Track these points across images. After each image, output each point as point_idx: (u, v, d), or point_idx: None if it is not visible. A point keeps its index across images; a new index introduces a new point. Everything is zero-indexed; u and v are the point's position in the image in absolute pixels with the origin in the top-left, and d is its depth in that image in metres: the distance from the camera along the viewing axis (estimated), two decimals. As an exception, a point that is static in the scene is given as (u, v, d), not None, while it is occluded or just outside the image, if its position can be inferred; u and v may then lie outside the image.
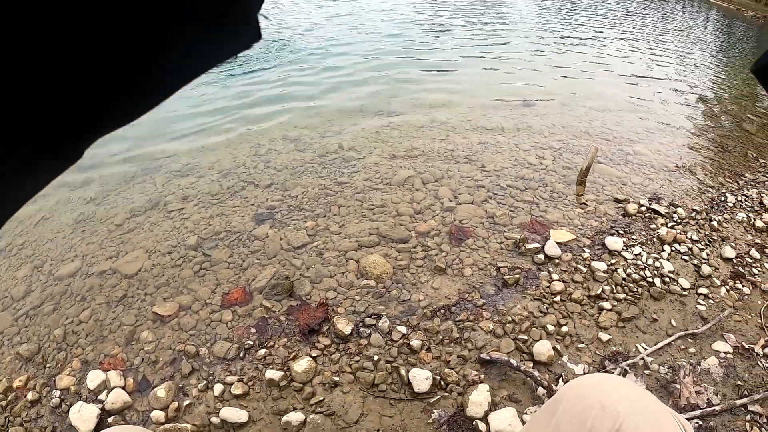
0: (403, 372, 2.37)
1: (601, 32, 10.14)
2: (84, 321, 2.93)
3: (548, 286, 2.90)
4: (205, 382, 2.43)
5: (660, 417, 0.89)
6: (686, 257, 3.21)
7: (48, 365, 2.68)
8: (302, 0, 13.32)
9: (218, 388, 2.39)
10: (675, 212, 3.62)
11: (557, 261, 3.10)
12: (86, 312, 2.98)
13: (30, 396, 2.49)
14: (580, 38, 9.30)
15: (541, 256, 3.11)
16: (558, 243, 3.19)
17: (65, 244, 3.57)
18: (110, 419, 2.34)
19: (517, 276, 2.96)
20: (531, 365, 2.42)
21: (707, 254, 3.24)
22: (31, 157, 0.27)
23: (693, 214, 3.63)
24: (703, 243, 3.35)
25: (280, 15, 11.65)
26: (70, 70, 0.24)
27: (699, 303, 2.86)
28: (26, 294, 3.24)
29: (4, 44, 0.21)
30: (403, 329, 2.62)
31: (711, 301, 2.89)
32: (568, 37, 9.31)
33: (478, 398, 2.22)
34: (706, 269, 3.09)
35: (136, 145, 5.13)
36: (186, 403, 2.34)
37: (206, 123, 5.39)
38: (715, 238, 3.42)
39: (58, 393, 2.49)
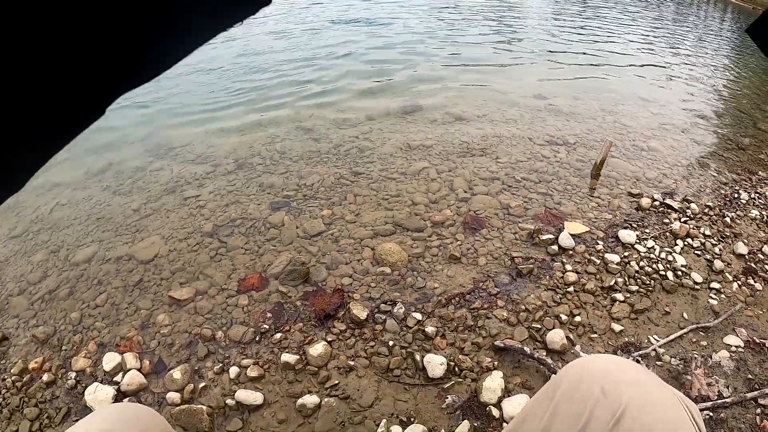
0: (417, 357, 2.39)
1: (615, 29, 10.09)
2: (100, 305, 2.96)
3: (562, 277, 2.91)
4: (220, 365, 2.46)
5: (666, 404, 0.83)
6: (699, 252, 3.20)
7: (64, 347, 2.71)
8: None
9: (234, 370, 2.41)
10: (688, 207, 3.61)
11: (571, 252, 3.11)
12: (102, 296, 3.01)
13: (45, 377, 2.52)
14: (595, 35, 9.25)
15: (555, 247, 3.12)
16: (572, 235, 3.20)
17: (81, 230, 3.61)
18: (125, 400, 2.37)
19: (531, 266, 2.97)
20: (544, 353, 2.43)
21: (720, 250, 3.24)
22: (55, 113, 0.27)
23: (706, 210, 3.63)
24: (715, 238, 3.34)
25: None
26: (91, 27, 0.25)
27: (711, 297, 2.86)
28: (42, 278, 3.27)
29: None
30: (418, 316, 2.64)
31: (723, 295, 2.88)
32: (582, 34, 9.26)
33: (492, 384, 2.24)
34: (718, 264, 3.09)
35: (152, 134, 5.16)
36: (201, 385, 2.37)
37: (221, 112, 5.42)
38: (728, 234, 3.41)
39: (73, 375, 2.52)
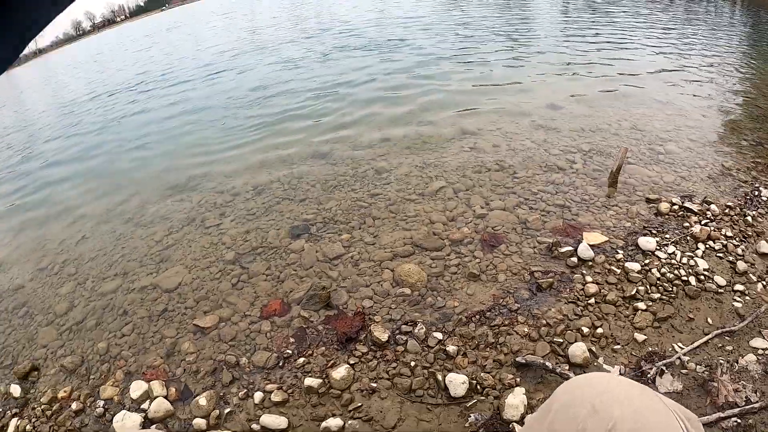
0: (439, 377, 2.40)
1: (628, 35, 10.01)
2: (126, 334, 3.03)
3: (582, 289, 2.89)
4: (245, 390, 2.50)
5: (656, 418, 0.86)
6: (721, 254, 3.16)
7: (92, 376, 2.78)
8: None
9: (258, 396, 2.45)
10: (708, 209, 3.56)
11: (591, 263, 3.09)
12: (128, 326, 3.09)
13: (74, 406, 2.59)
14: (608, 41, 9.18)
15: (575, 259, 3.10)
16: (591, 245, 3.18)
17: (106, 261, 3.69)
18: (153, 427, 2.42)
19: (551, 280, 2.96)
20: (567, 367, 2.42)
21: (742, 250, 3.19)
22: None
23: (726, 210, 3.57)
24: (737, 239, 3.29)
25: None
26: None
27: (735, 300, 2.81)
28: (69, 309, 3.35)
29: None
30: (439, 335, 2.64)
31: (747, 297, 2.83)
32: (595, 42, 9.19)
33: (515, 401, 2.23)
34: (741, 265, 3.04)
35: (172, 165, 5.27)
36: (227, 410, 2.41)
37: (238, 141, 5.50)
38: (750, 233, 3.36)
39: (101, 403, 2.59)
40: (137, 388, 2.61)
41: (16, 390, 2.79)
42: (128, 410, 2.51)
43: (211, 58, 13.20)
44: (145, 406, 2.52)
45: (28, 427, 2.56)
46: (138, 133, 7.38)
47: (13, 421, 2.61)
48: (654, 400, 0.91)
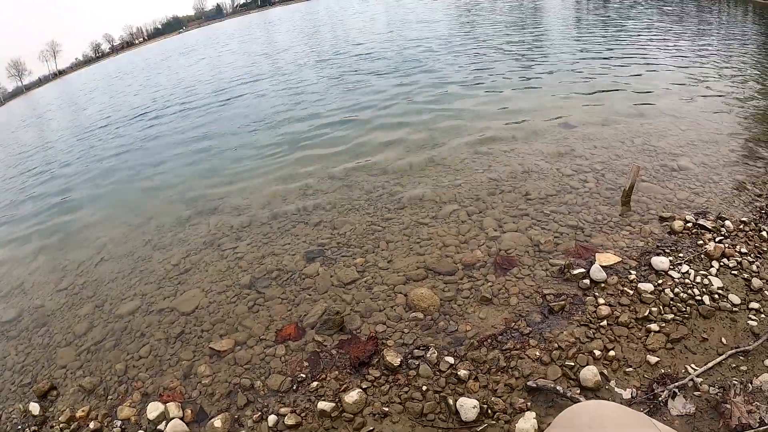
0: (450, 401, 2.41)
1: (639, 44, 9.99)
2: (144, 356, 3.08)
3: (594, 311, 2.88)
4: (259, 413, 2.54)
5: None
6: (735, 272, 3.13)
7: (110, 397, 2.84)
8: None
9: (272, 419, 2.49)
10: (722, 225, 3.54)
11: (603, 285, 3.08)
12: (146, 348, 3.14)
13: (92, 425, 2.65)
14: (619, 55, 9.12)
15: (587, 281, 3.10)
16: (603, 266, 3.17)
17: (124, 284, 3.76)
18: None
19: (563, 302, 2.95)
20: (578, 391, 2.42)
21: (757, 267, 3.15)
22: None
23: (741, 226, 3.54)
24: (752, 255, 3.26)
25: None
26: None
27: (750, 318, 2.78)
28: (88, 330, 3.42)
29: None
30: (451, 359, 2.66)
31: (763, 315, 2.80)
32: (607, 57, 9.14)
33: (525, 425, 2.24)
34: (756, 282, 3.00)
35: (189, 189, 5.35)
36: (242, 433, 2.45)
37: (255, 165, 5.56)
38: (766, 249, 3.33)
39: (119, 423, 2.65)
40: (154, 409, 2.66)
41: (35, 408, 2.86)
42: (144, 431, 2.56)
43: (226, 83, 13.32)
44: (161, 427, 2.57)
45: (46, 445, 2.62)
46: (156, 159, 7.53)
47: (32, 439, 2.68)
48: (648, 426, 0.95)
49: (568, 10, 15.07)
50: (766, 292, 2.97)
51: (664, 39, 10.27)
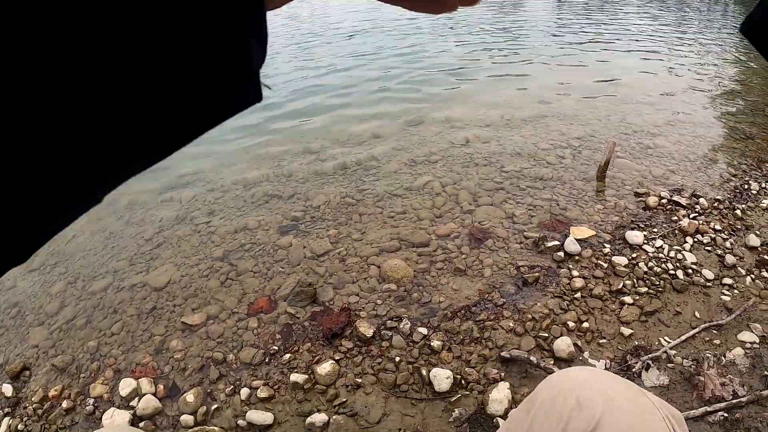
0: (424, 372, 2.40)
1: (615, 23, 10.04)
2: (116, 333, 3.03)
3: (568, 284, 2.90)
4: (232, 386, 2.51)
5: (641, 415, 0.84)
6: (709, 248, 3.17)
7: (82, 375, 2.79)
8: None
9: (245, 392, 2.46)
10: (697, 203, 3.58)
11: (577, 258, 3.10)
12: (118, 324, 3.09)
13: (65, 404, 2.60)
14: (597, 39, 9.14)
15: (561, 254, 3.11)
16: (577, 240, 3.19)
17: (96, 260, 3.68)
18: (141, 424, 2.43)
19: (537, 274, 2.97)
20: (552, 362, 2.43)
21: (731, 244, 3.20)
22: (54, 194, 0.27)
23: (715, 204, 3.58)
24: (726, 232, 3.30)
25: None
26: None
27: (723, 293, 2.82)
28: (60, 309, 3.35)
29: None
30: (424, 330, 2.65)
31: (736, 291, 2.84)
32: (585, 38, 9.15)
33: (499, 396, 2.25)
34: (730, 259, 3.05)
35: (161, 164, 5.24)
36: (214, 407, 2.42)
37: (229, 139, 5.48)
38: (739, 227, 3.37)
39: (91, 401, 2.60)
40: (126, 385, 2.61)
41: (8, 390, 2.80)
42: (117, 407, 2.52)
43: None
44: (134, 403, 2.52)
45: (19, 426, 2.56)
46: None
47: (5, 421, 2.62)
48: (639, 394, 0.91)
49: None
50: (739, 268, 3.00)
51: (643, 26, 10.32)
